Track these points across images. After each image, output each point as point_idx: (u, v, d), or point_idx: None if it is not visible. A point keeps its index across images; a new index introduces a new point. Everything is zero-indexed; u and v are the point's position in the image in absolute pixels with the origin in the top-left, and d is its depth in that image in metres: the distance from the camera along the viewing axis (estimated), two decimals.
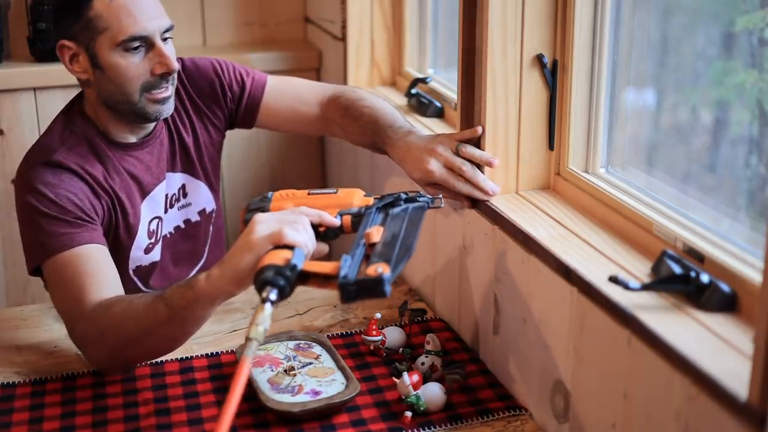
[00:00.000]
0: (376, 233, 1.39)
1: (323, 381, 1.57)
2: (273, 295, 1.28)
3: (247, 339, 1.23)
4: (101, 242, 1.69)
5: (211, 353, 1.72)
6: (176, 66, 1.75)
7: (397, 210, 1.48)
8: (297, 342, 1.70)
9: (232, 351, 1.71)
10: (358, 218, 1.48)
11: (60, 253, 1.64)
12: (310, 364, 1.63)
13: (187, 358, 1.70)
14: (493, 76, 1.62)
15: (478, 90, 1.66)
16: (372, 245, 1.37)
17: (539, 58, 1.64)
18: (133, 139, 1.84)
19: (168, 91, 1.77)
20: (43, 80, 2.60)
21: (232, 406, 1.14)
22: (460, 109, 1.71)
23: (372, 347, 1.70)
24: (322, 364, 1.63)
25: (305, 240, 1.38)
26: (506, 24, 1.60)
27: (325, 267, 1.34)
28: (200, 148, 1.95)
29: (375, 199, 1.52)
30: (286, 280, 1.29)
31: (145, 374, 1.65)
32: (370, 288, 1.27)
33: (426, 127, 2.04)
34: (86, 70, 1.75)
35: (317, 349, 1.67)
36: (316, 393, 1.53)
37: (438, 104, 2.14)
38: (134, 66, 1.72)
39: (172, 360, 1.69)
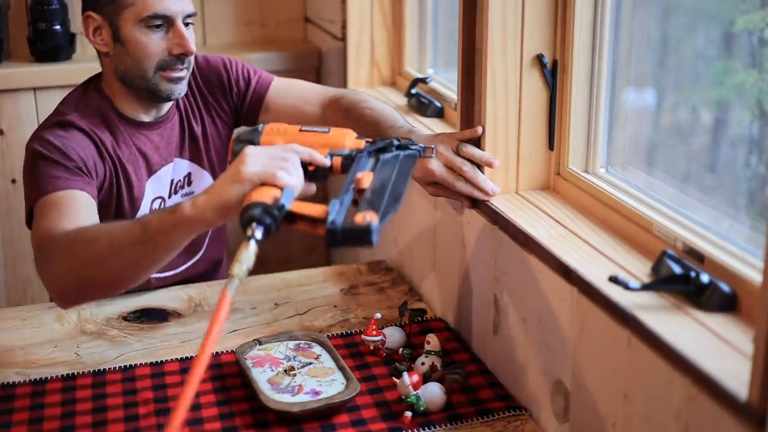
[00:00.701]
0: (366, 179, 1.38)
1: (323, 381, 1.57)
2: (258, 233, 1.27)
3: (230, 275, 1.23)
4: (92, 195, 1.72)
5: (211, 353, 1.71)
6: (193, 49, 1.82)
7: (387, 156, 1.46)
8: (297, 342, 1.70)
9: (231, 351, 1.71)
10: (349, 160, 1.45)
11: (51, 193, 1.67)
12: (310, 364, 1.63)
13: (187, 358, 1.70)
14: (493, 76, 1.62)
15: (478, 90, 1.66)
16: (361, 191, 1.36)
17: (539, 58, 1.64)
18: (145, 118, 1.90)
19: (182, 72, 1.83)
20: (43, 80, 2.60)
21: (212, 338, 1.15)
22: (460, 109, 1.71)
23: (372, 347, 1.70)
24: (322, 364, 1.63)
25: (295, 182, 1.37)
26: (506, 24, 1.60)
27: (314, 210, 1.33)
28: (208, 139, 2.01)
29: (366, 142, 1.49)
30: (273, 219, 1.29)
31: (145, 374, 1.65)
32: (357, 237, 1.26)
33: (426, 127, 2.04)
34: (107, 44, 1.83)
35: (317, 349, 1.67)
36: (316, 393, 1.53)
37: (438, 104, 2.14)
38: (154, 43, 1.79)
39: (171, 360, 1.69)
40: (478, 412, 1.53)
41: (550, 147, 1.68)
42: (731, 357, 1.11)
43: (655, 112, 1.59)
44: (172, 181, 1.96)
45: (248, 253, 1.26)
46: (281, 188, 1.34)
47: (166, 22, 1.79)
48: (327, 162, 1.44)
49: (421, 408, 1.50)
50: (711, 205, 1.38)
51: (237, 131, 1.52)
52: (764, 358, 1.00)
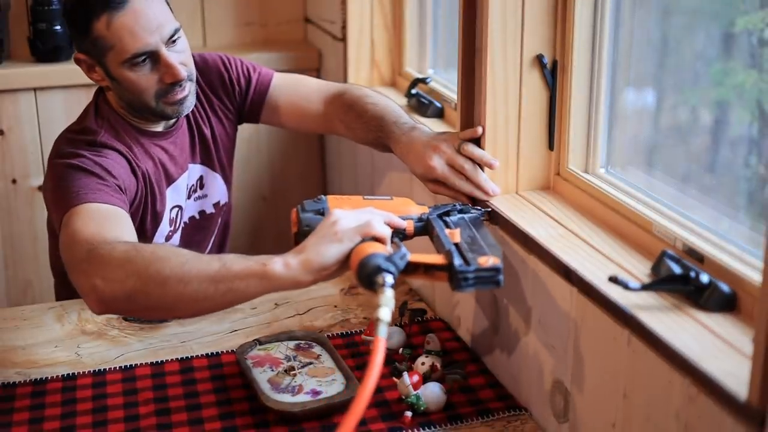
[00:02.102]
0: (456, 234, 1.42)
1: (323, 381, 1.57)
2: (390, 279, 1.28)
3: (376, 319, 1.23)
4: (128, 215, 1.68)
5: (211, 353, 1.72)
6: (183, 75, 1.77)
7: (454, 218, 1.51)
8: (297, 342, 1.70)
9: (232, 351, 1.71)
10: (420, 223, 1.49)
11: (96, 203, 1.60)
12: (310, 364, 1.63)
13: (187, 358, 1.70)
14: (493, 76, 1.62)
15: (478, 90, 1.66)
16: (456, 245, 1.39)
17: (539, 58, 1.64)
18: (158, 128, 1.89)
19: (184, 91, 1.81)
20: (43, 80, 2.60)
21: (370, 384, 1.15)
22: (460, 109, 1.72)
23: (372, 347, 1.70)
24: (322, 364, 1.63)
25: (389, 233, 1.38)
26: (506, 24, 1.60)
27: (431, 258, 1.36)
28: (217, 140, 2.01)
29: (429, 208, 1.54)
30: (396, 267, 1.30)
31: (145, 374, 1.65)
32: (488, 277, 1.32)
33: (426, 127, 2.04)
34: (104, 79, 1.81)
35: (317, 349, 1.68)
36: (316, 393, 1.54)
37: (438, 104, 2.14)
38: (144, 78, 1.76)
39: (172, 360, 1.69)
40: (478, 412, 1.53)
41: (550, 147, 1.68)
42: (731, 357, 1.11)
43: (655, 112, 1.59)
44: (188, 186, 1.96)
45: (387, 297, 1.25)
46: (380, 240, 1.36)
47: (149, 56, 1.74)
48: (404, 224, 1.47)
49: (421, 408, 1.50)
50: (711, 205, 1.38)
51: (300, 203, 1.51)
52: (764, 358, 1.00)
